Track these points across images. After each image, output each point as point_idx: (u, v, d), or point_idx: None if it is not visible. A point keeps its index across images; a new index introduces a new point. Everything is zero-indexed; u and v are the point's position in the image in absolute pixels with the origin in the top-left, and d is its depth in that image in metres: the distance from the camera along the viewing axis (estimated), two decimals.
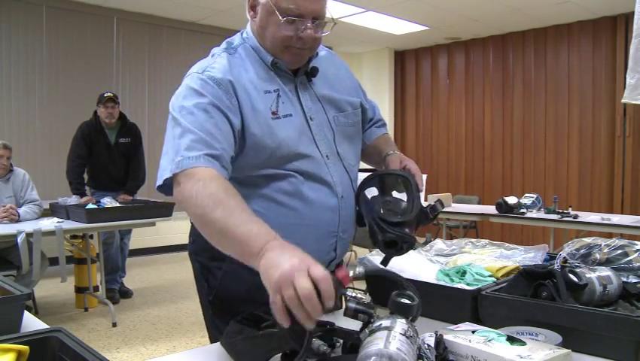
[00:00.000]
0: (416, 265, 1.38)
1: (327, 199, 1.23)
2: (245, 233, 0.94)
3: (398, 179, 1.23)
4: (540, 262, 1.39)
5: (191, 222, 1.22)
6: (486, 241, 1.60)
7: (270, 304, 0.83)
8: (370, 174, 1.28)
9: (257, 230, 0.94)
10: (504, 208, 4.57)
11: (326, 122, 1.27)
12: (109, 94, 4.46)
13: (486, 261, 1.40)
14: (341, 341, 1.02)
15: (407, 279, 1.01)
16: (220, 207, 0.98)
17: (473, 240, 1.61)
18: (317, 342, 0.99)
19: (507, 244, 1.55)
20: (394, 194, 1.23)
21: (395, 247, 1.15)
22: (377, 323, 0.85)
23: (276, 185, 1.20)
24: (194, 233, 1.31)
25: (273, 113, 1.18)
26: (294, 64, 1.23)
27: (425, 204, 1.23)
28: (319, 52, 1.33)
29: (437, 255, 1.52)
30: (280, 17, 1.14)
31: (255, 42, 1.24)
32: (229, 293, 1.26)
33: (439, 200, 1.25)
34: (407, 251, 1.18)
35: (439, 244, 1.60)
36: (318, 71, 1.27)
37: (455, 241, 1.61)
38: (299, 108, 1.23)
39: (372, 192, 1.25)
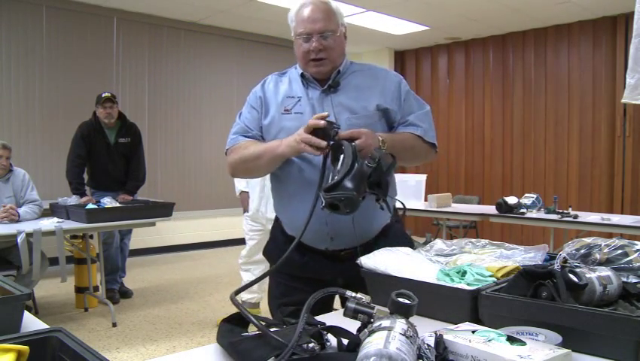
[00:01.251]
0: (416, 265, 1.38)
1: (313, 176, 1.50)
2: (268, 144, 1.61)
3: (334, 149, 1.39)
4: (540, 262, 1.38)
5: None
6: (486, 241, 1.59)
7: (303, 140, 1.42)
8: None
9: (274, 141, 1.60)
10: (504, 208, 4.56)
11: (336, 121, 1.58)
12: (107, 94, 4.44)
13: (486, 261, 1.39)
14: (332, 341, 1.02)
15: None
16: (252, 147, 1.65)
17: (473, 240, 1.60)
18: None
19: (507, 244, 1.55)
20: (333, 164, 1.37)
21: (338, 209, 1.31)
22: (377, 323, 0.85)
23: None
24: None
25: (286, 110, 1.67)
26: (318, 73, 1.65)
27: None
28: (361, 69, 1.72)
29: (437, 255, 1.52)
30: (298, 39, 1.64)
31: (298, 66, 1.73)
32: (268, 249, 1.81)
33: (376, 148, 1.36)
34: (350, 208, 1.31)
35: (439, 244, 1.59)
36: (339, 85, 1.66)
37: (455, 241, 1.60)
38: (314, 109, 1.63)
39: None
